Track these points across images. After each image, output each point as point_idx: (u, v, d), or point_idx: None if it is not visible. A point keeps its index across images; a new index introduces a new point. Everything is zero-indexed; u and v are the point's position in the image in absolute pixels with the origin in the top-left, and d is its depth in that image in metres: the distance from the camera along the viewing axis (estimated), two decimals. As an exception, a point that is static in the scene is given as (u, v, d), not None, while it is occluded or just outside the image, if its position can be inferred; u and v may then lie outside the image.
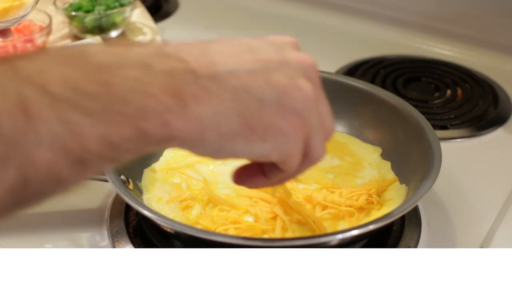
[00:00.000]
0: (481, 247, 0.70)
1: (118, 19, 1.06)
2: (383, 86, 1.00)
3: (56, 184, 0.39)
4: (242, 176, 0.55)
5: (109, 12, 1.05)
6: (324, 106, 0.51)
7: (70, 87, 0.38)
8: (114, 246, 0.68)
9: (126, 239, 0.69)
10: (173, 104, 0.42)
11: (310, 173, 0.74)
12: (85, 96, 0.39)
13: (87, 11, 1.06)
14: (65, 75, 0.39)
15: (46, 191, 0.40)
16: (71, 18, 1.06)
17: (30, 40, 0.97)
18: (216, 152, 0.46)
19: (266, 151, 0.48)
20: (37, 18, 1.03)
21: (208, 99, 0.44)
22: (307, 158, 0.51)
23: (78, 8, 1.07)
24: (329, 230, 0.66)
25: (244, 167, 0.55)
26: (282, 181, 0.55)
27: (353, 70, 1.06)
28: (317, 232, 0.65)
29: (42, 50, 0.40)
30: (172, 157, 0.77)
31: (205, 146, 0.45)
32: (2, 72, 0.38)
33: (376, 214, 0.68)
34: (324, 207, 0.68)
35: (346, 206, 0.68)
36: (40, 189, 0.39)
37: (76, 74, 0.39)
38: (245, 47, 0.48)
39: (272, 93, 0.46)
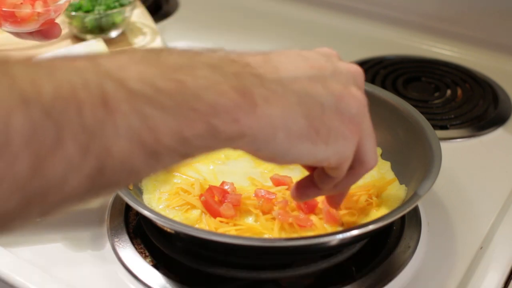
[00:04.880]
0: (481, 247, 0.70)
1: (118, 19, 1.06)
2: (383, 86, 1.00)
3: (129, 174, 0.41)
4: (298, 191, 0.59)
5: (109, 12, 1.05)
6: (370, 121, 0.54)
7: (146, 83, 0.41)
8: (114, 246, 0.68)
9: (126, 239, 0.69)
10: (243, 102, 0.44)
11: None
12: (160, 93, 0.41)
13: (87, 11, 1.06)
14: (142, 72, 0.41)
15: (119, 181, 0.41)
16: (71, 18, 1.06)
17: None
18: (284, 155, 0.48)
19: (328, 154, 0.50)
20: None
21: (276, 100, 0.46)
22: (361, 164, 0.54)
23: (78, 8, 1.07)
24: (329, 230, 0.66)
25: (298, 183, 0.59)
26: (334, 189, 0.57)
27: (353, 70, 1.05)
28: (317, 232, 0.65)
29: (120, 51, 0.42)
30: (172, 157, 0.77)
31: (275, 146, 0.47)
32: (86, 67, 0.40)
33: (375, 214, 0.68)
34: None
35: (346, 208, 0.68)
36: (115, 178, 0.40)
37: (152, 72, 0.41)
38: (299, 56, 0.51)
39: (331, 98, 0.49)
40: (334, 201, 0.61)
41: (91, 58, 0.41)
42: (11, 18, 0.73)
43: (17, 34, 0.76)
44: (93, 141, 0.38)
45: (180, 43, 1.15)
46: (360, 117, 0.51)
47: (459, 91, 1.01)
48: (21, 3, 0.74)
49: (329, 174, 0.54)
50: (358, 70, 0.54)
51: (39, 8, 0.77)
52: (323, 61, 0.51)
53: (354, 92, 0.51)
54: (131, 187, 0.69)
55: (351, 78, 0.52)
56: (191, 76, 0.43)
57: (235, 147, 0.46)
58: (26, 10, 0.74)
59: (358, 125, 0.51)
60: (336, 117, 0.49)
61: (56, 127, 0.36)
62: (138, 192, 0.71)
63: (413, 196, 0.63)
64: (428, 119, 0.74)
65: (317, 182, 0.56)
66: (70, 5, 1.08)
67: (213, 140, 0.43)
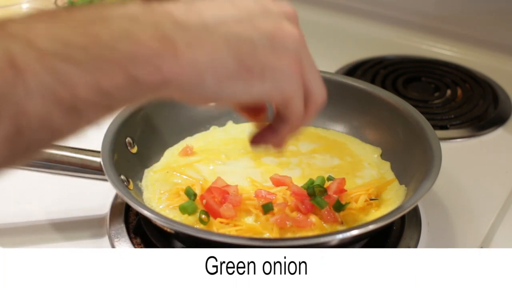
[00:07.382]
0: (481, 247, 0.70)
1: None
2: (383, 86, 1.00)
3: (51, 132, 0.40)
4: (255, 138, 0.56)
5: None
6: (310, 55, 0.51)
7: (57, 40, 0.39)
8: (114, 246, 0.68)
9: (126, 239, 0.69)
10: (164, 50, 0.42)
11: (310, 173, 0.74)
12: (72, 47, 0.40)
13: None
14: (52, 29, 0.40)
15: (42, 140, 0.41)
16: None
17: None
18: (216, 96, 0.47)
19: (266, 91, 0.48)
20: None
21: (201, 46, 0.44)
22: (310, 101, 0.52)
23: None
24: (329, 230, 0.66)
25: (257, 132, 0.56)
26: (291, 131, 0.54)
27: (353, 70, 1.06)
28: (317, 232, 0.65)
29: (30, 13, 0.41)
30: (172, 157, 0.77)
31: (204, 89, 0.45)
32: None
33: (375, 214, 0.68)
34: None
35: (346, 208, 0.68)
36: (36, 138, 0.40)
37: (62, 28, 0.40)
38: (226, 1, 0.49)
39: (262, 36, 0.47)
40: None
41: None
42: None
43: None
44: (3, 103, 0.37)
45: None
46: (298, 52, 0.49)
47: (459, 91, 1.01)
48: None
49: (283, 114, 0.52)
50: (291, 10, 0.51)
51: None
52: (251, 2, 0.49)
53: (288, 28, 0.49)
54: (131, 187, 0.69)
55: (282, 15, 0.49)
56: (105, 29, 0.41)
57: (162, 95, 0.45)
58: None
59: (298, 60, 0.49)
60: (270, 54, 0.47)
61: None
62: (138, 192, 0.71)
63: (413, 196, 0.63)
64: (428, 119, 0.74)
65: (275, 127, 0.54)
66: (70, 3, 1.08)
67: (135, 90, 0.42)
